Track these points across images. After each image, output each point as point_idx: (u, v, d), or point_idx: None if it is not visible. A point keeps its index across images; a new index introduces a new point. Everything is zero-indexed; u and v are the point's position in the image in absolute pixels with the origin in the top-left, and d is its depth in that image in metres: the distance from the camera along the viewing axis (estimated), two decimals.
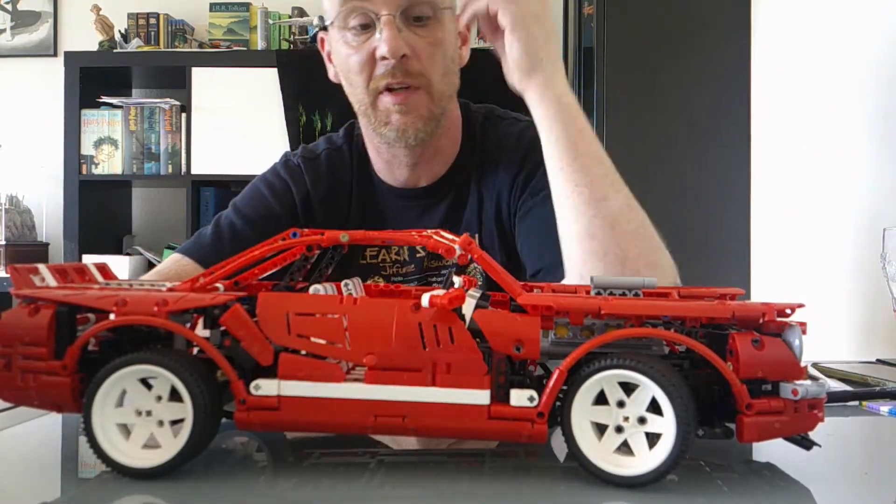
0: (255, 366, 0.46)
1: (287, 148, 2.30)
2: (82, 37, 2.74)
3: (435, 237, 0.48)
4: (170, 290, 0.48)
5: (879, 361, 0.90)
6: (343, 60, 0.96)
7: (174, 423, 0.45)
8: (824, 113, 2.28)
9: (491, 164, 1.02)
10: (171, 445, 0.44)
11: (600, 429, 0.44)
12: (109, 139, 2.61)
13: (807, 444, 0.47)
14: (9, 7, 2.88)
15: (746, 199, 1.99)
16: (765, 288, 2.07)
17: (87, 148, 2.60)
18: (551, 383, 0.44)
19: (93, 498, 0.43)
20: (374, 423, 0.44)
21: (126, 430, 0.45)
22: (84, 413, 0.44)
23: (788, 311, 0.45)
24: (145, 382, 0.45)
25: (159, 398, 0.44)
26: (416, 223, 1.02)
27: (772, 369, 0.44)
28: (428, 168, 1.02)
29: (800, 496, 0.44)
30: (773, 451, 0.50)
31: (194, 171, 2.55)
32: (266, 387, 0.45)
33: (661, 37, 2.03)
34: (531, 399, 0.44)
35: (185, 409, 0.44)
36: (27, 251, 2.69)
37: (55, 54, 2.84)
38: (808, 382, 0.44)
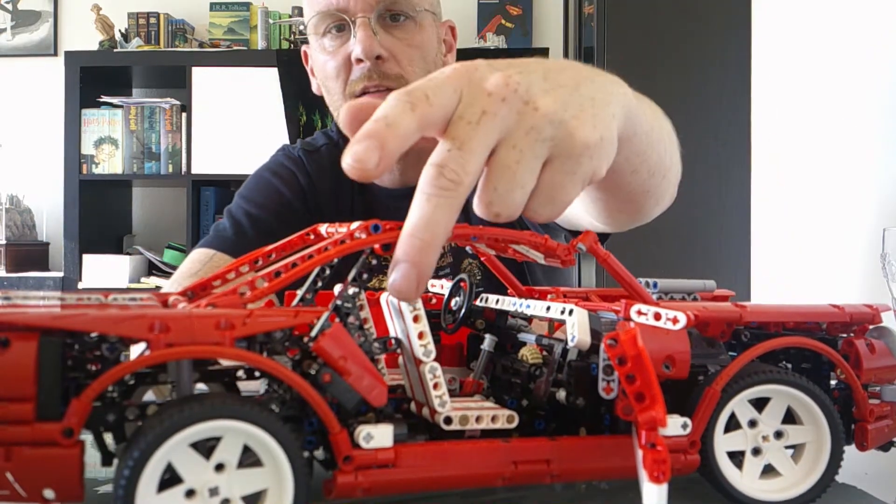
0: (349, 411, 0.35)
1: None
2: (82, 36, 2.74)
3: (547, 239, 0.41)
4: (195, 303, 0.37)
5: None
6: (321, 68, 0.96)
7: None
8: (825, 113, 2.28)
9: None
10: None
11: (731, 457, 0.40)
12: (110, 139, 2.61)
13: (888, 446, 0.46)
14: (9, 7, 2.88)
15: (746, 198, 1.99)
16: (765, 288, 2.07)
17: (87, 147, 2.60)
18: (703, 407, 0.38)
19: (93, 498, 0.43)
20: (514, 472, 0.37)
21: None
22: None
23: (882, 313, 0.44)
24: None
25: (219, 466, 0.32)
26: None
27: (881, 373, 0.42)
28: (416, 168, 1.02)
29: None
30: None
31: (194, 170, 2.55)
32: (380, 436, 0.34)
33: (661, 37, 2.03)
34: (684, 426, 0.38)
35: (273, 477, 0.32)
36: (27, 251, 2.69)
37: (55, 54, 2.84)
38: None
